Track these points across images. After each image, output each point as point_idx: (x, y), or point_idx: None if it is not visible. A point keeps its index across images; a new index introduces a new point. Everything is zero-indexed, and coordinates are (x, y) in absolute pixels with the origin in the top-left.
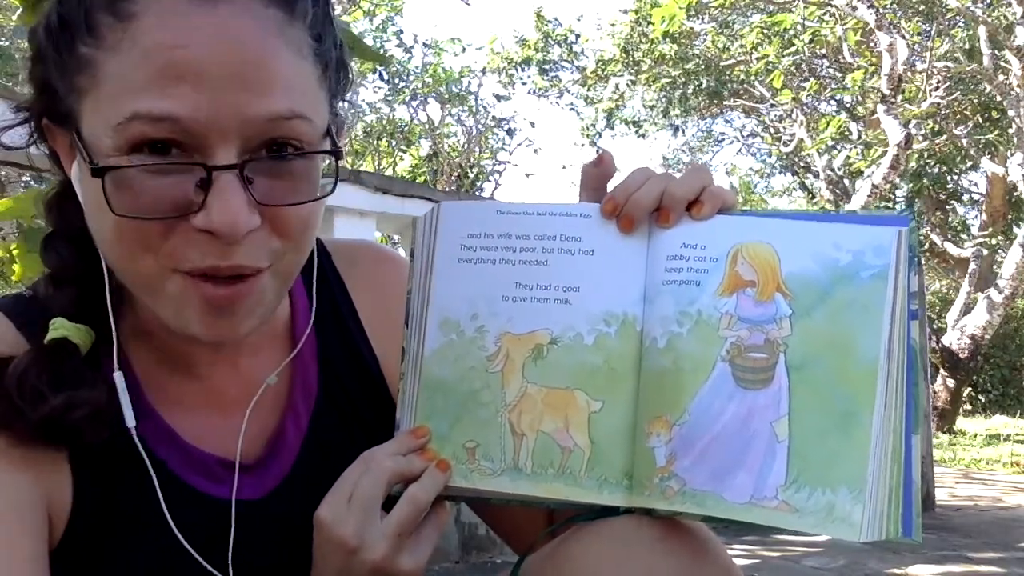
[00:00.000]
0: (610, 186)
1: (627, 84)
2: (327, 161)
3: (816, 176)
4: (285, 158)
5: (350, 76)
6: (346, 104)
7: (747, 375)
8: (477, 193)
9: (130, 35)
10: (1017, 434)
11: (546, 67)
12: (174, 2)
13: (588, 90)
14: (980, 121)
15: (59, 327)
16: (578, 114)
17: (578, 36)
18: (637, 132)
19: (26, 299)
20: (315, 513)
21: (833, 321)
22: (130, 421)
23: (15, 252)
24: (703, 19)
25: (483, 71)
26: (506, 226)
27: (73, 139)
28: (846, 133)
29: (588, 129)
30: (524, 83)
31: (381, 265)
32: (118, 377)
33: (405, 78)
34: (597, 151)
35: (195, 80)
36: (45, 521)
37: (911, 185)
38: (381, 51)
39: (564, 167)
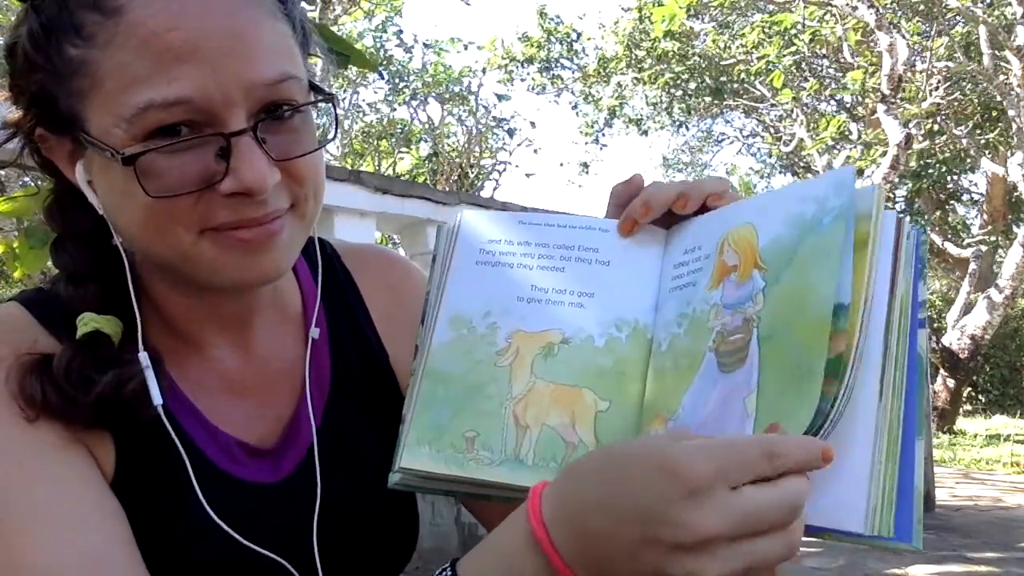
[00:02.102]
0: None
1: (632, 81)
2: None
3: (816, 176)
4: (285, 116)
5: (310, 32)
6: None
7: (727, 359)
8: (477, 193)
9: (122, 28)
10: (1017, 434)
11: (549, 65)
12: None
13: (590, 88)
14: (980, 121)
15: (89, 321)
16: (577, 112)
17: (579, 34)
18: (639, 130)
19: (47, 294)
20: (668, 449)
21: (797, 278)
22: (157, 399)
23: (16, 248)
24: (703, 19)
25: (483, 71)
26: (526, 235)
27: (81, 139)
28: (846, 133)
29: (589, 127)
30: (523, 80)
31: (390, 267)
32: (143, 357)
33: (405, 78)
34: (600, 148)
35: (194, 58)
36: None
37: (911, 185)
38: (381, 50)
39: (561, 164)
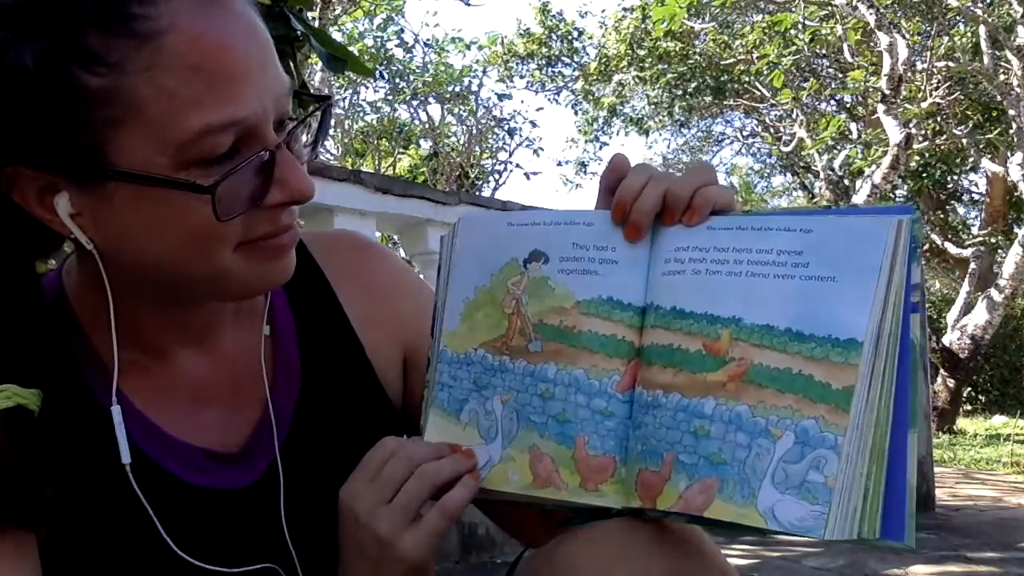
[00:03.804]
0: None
1: (633, 79)
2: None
3: (816, 176)
4: (291, 123)
5: None
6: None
7: None
8: (477, 193)
9: (166, 51)
10: (1017, 434)
11: (550, 61)
12: (190, 8)
13: (590, 86)
14: (980, 121)
15: (12, 395)
16: (576, 112)
17: (580, 32)
18: (639, 129)
19: None
20: (340, 490)
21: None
22: (126, 458)
23: None
24: (704, 19)
25: (484, 71)
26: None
27: (91, 172)
28: (846, 133)
29: (589, 124)
30: (523, 76)
31: (360, 254)
32: (115, 411)
33: (405, 78)
34: (600, 147)
35: (243, 77)
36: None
37: (911, 185)
38: (382, 50)
39: (559, 164)
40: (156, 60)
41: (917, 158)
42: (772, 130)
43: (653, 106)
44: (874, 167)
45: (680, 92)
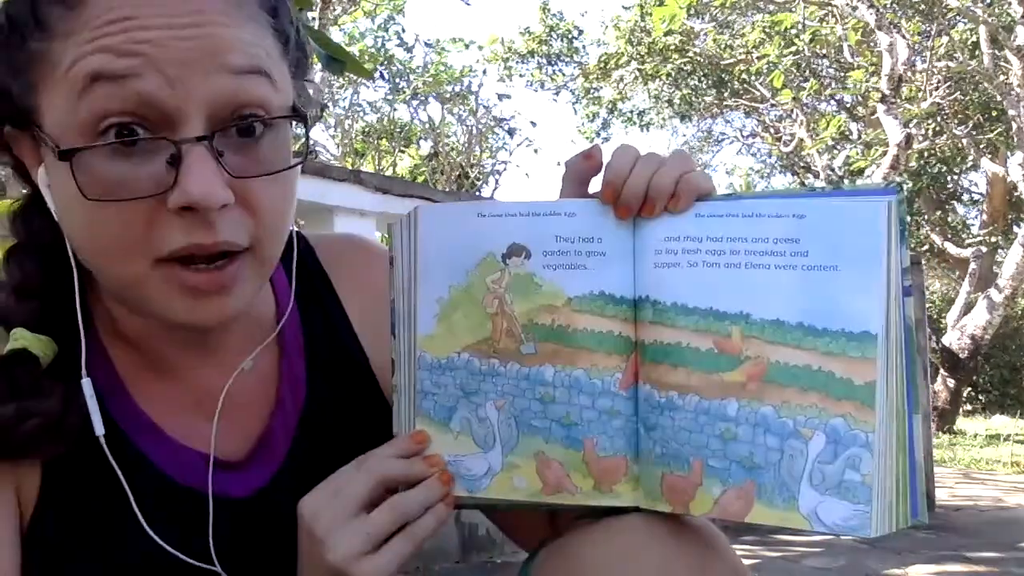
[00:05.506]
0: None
1: (634, 73)
2: (299, 143)
3: (816, 176)
4: (253, 131)
5: (309, 57)
6: (311, 87)
7: None
8: (477, 193)
9: (83, 19)
10: (1017, 434)
11: (550, 60)
12: None
13: (590, 83)
14: (980, 121)
15: (19, 338)
16: (576, 111)
17: (581, 31)
18: (640, 123)
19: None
20: (299, 502)
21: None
22: (99, 430)
23: None
24: (703, 19)
25: (484, 71)
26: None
27: (36, 134)
28: (846, 133)
29: (589, 120)
30: (522, 76)
31: (367, 260)
32: (86, 384)
33: (406, 77)
34: (602, 142)
35: (152, 53)
36: (17, 510)
37: (911, 185)
38: (382, 50)
39: (558, 164)
40: (74, 27)
41: (917, 158)
42: (772, 130)
43: (654, 99)
44: (874, 167)
45: (681, 87)
